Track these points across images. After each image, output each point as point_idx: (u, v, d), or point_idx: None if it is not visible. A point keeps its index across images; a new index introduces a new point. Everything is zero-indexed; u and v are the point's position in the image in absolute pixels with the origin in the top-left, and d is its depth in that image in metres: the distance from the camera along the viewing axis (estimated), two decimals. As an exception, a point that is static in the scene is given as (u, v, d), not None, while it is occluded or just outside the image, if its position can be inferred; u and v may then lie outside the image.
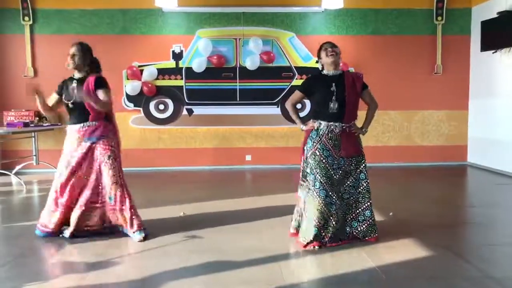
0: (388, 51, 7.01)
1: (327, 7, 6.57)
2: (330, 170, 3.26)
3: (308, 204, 3.29)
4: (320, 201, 3.21)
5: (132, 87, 6.72)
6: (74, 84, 3.49)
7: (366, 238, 3.35)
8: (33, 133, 6.34)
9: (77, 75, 3.55)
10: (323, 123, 3.29)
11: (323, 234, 3.24)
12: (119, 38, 6.79)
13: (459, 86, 7.13)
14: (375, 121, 7.08)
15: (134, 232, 3.47)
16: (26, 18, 6.65)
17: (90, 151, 3.50)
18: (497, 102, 6.46)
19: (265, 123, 7.00)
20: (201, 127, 7.02)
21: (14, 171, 6.19)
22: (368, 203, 3.35)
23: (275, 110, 6.95)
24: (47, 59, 6.75)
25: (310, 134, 3.34)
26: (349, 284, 2.65)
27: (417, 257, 3.05)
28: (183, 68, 6.82)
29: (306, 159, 3.35)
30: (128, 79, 6.79)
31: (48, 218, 3.51)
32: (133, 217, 3.50)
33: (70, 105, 3.51)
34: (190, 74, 6.81)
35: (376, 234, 3.36)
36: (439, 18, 6.96)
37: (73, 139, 3.53)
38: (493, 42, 6.28)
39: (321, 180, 3.22)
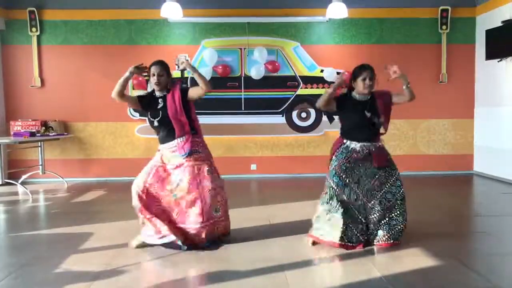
0: (393, 60, 6.97)
1: (332, 17, 6.60)
2: (352, 186, 3.40)
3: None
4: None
5: (137, 96, 6.76)
6: (161, 103, 3.57)
7: (392, 242, 3.41)
8: (39, 142, 6.40)
9: (159, 93, 3.63)
10: (354, 144, 3.46)
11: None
12: (125, 48, 6.85)
13: (465, 95, 7.11)
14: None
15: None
16: (34, 29, 6.74)
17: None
18: (503, 111, 6.43)
19: (270, 132, 7.00)
20: (206, 136, 6.95)
21: (20, 181, 6.22)
22: (403, 209, 3.46)
23: (280, 119, 6.94)
24: (54, 70, 6.81)
25: (336, 153, 3.48)
26: (355, 294, 2.63)
27: (424, 267, 3.02)
28: (188, 78, 6.86)
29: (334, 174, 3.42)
30: (134, 89, 6.83)
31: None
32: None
33: (156, 123, 3.52)
34: (195, 84, 6.80)
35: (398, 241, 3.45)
36: (444, 27, 6.96)
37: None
38: (498, 51, 6.27)
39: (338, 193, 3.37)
